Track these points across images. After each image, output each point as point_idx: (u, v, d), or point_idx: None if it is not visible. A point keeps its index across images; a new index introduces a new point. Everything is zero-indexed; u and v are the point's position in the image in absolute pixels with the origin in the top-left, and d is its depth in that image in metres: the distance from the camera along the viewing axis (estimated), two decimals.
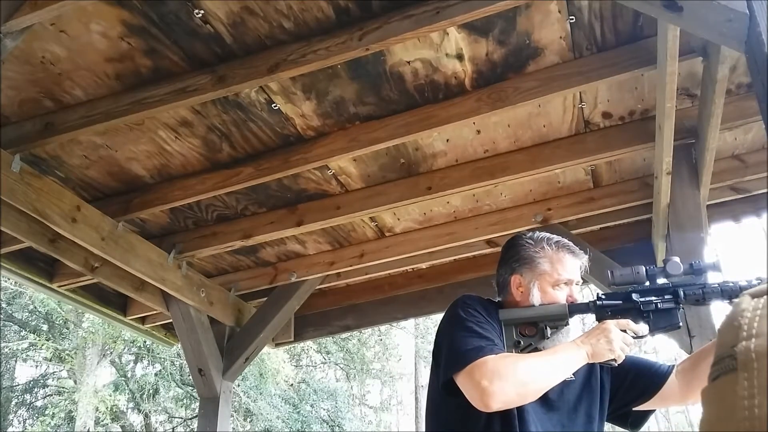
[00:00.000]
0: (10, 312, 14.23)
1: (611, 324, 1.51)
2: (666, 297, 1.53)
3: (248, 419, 14.95)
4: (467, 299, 1.63)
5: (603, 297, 1.58)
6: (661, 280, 1.56)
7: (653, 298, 1.53)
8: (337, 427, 15.99)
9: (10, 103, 2.33)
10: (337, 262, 3.50)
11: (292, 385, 15.91)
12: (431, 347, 1.69)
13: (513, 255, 1.70)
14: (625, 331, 1.51)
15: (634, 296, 1.54)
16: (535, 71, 2.33)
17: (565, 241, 1.72)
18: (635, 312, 1.54)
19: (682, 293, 1.51)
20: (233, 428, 14.03)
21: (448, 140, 2.73)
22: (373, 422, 19.43)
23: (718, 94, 2.14)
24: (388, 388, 21.89)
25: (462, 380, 1.43)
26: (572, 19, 2.12)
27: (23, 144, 2.40)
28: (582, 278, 1.70)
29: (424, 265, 3.69)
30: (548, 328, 1.56)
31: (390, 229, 3.38)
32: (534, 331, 1.56)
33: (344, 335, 15.51)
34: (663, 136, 2.33)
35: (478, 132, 2.69)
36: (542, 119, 2.62)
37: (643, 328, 1.52)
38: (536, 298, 1.62)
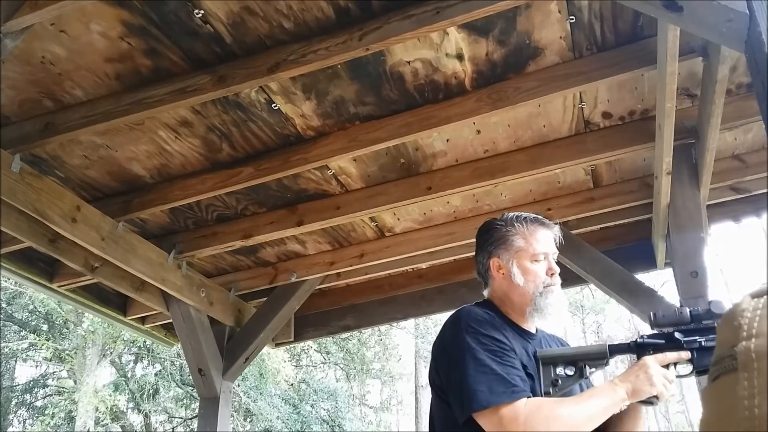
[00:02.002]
0: (10, 312, 14.22)
1: (650, 359, 1.47)
2: (710, 336, 1.47)
3: (248, 419, 14.96)
4: (470, 321, 1.55)
5: (645, 336, 1.54)
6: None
7: (697, 337, 1.48)
8: (337, 427, 15.99)
9: (10, 103, 2.33)
10: (337, 262, 3.50)
11: (292, 385, 15.91)
12: (431, 347, 1.68)
13: (487, 239, 1.71)
14: (667, 367, 1.47)
15: (677, 335, 1.49)
16: (535, 71, 2.33)
17: (534, 215, 1.73)
18: (678, 350, 1.49)
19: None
20: (233, 428, 14.03)
21: (448, 140, 2.73)
22: (373, 422, 19.44)
23: (718, 94, 2.14)
24: (388, 388, 21.89)
25: (489, 421, 1.39)
26: (572, 19, 2.12)
27: (23, 144, 2.40)
28: (557, 250, 1.69)
29: (424, 265, 3.69)
30: (587, 367, 1.52)
31: (390, 229, 3.38)
32: (573, 370, 1.52)
33: (344, 335, 15.51)
34: (663, 136, 2.33)
35: (478, 132, 2.69)
36: (542, 119, 2.62)
37: (686, 365, 1.48)
38: (518, 276, 1.63)
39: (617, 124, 2.66)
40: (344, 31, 2.06)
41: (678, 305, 1.53)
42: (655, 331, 1.54)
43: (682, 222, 2.72)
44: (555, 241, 1.69)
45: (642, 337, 1.54)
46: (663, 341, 1.50)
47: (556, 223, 1.72)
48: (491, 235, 1.70)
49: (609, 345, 1.55)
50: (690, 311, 1.48)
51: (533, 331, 1.68)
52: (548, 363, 1.52)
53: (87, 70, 2.22)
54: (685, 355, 1.46)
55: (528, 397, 1.43)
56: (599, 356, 1.53)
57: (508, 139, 2.73)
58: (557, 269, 1.66)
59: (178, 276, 3.28)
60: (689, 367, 1.47)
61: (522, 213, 1.73)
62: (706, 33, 1.66)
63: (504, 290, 1.67)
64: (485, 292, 1.73)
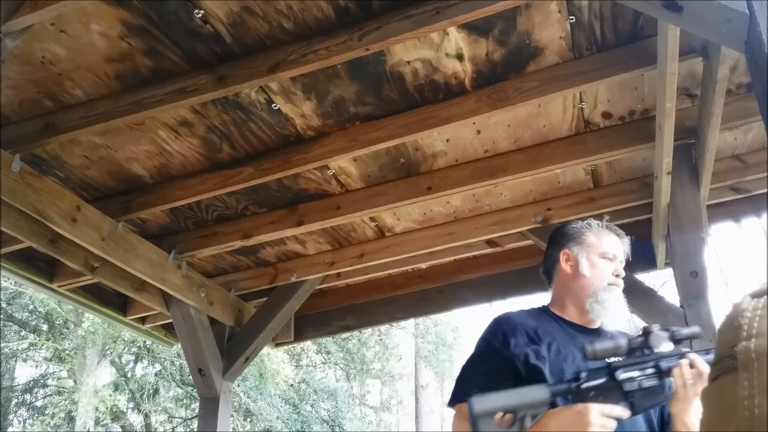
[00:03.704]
0: (10, 312, 14.22)
1: (593, 409, 1.40)
2: (648, 372, 1.43)
3: (248, 419, 14.95)
4: (500, 321, 1.72)
5: (584, 374, 1.47)
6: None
7: (636, 373, 1.42)
8: (338, 427, 15.98)
9: (10, 103, 2.33)
10: (337, 262, 3.50)
11: (292, 385, 15.90)
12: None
13: (560, 236, 1.84)
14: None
15: (618, 374, 1.42)
16: (535, 71, 2.33)
17: (608, 223, 1.85)
18: (618, 392, 1.42)
19: (665, 366, 1.43)
20: (233, 428, 14.03)
21: (448, 140, 2.73)
22: (374, 422, 19.43)
23: (718, 94, 2.14)
24: (388, 388, 21.88)
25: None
26: (572, 19, 2.12)
27: (23, 144, 2.40)
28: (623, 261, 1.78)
29: (424, 265, 3.69)
30: (529, 417, 1.39)
31: (390, 229, 3.38)
32: (511, 421, 1.38)
33: (344, 335, 15.50)
34: (663, 136, 2.33)
35: (478, 132, 2.69)
36: (542, 119, 2.62)
37: (625, 412, 1.42)
38: (585, 267, 1.74)
39: (617, 124, 2.66)
40: (344, 31, 2.06)
41: (618, 335, 1.49)
42: (597, 364, 1.45)
43: (682, 222, 2.72)
44: (624, 252, 1.80)
45: (581, 376, 1.45)
46: (603, 380, 1.43)
47: (628, 236, 1.84)
48: (565, 233, 1.83)
49: (551, 389, 1.45)
50: (628, 341, 1.42)
51: (594, 326, 1.73)
52: (483, 416, 1.35)
53: (87, 70, 2.22)
54: (626, 412, 1.42)
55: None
56: (541, 403, 1.41)
57: (508, 139, 2.73)
58: (623, 273, 1.75)
59: (178, 276, 3.28)
60: (628, 413, 1.42)
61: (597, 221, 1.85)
62: (706, 33, 1.66)
63: (567, 283, 1.76)
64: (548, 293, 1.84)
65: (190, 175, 2.79)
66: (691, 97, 2.54)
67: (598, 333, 1.73)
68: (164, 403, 15.80)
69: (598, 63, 2.26)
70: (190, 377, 5.65)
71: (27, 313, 14.75)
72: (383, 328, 17.69)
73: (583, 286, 1.73)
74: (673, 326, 1.45)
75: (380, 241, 3.43)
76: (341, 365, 18.75)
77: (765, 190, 2.98)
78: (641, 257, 3.31)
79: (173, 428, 16.08)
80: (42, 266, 3.25)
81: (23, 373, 16.60)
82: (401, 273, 3.78)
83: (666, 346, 1.42)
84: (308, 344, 16.31)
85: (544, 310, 1.79)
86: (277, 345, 4.17)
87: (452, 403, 1.66)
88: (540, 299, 1.96)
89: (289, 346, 12.96)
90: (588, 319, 1.72)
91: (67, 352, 14.37)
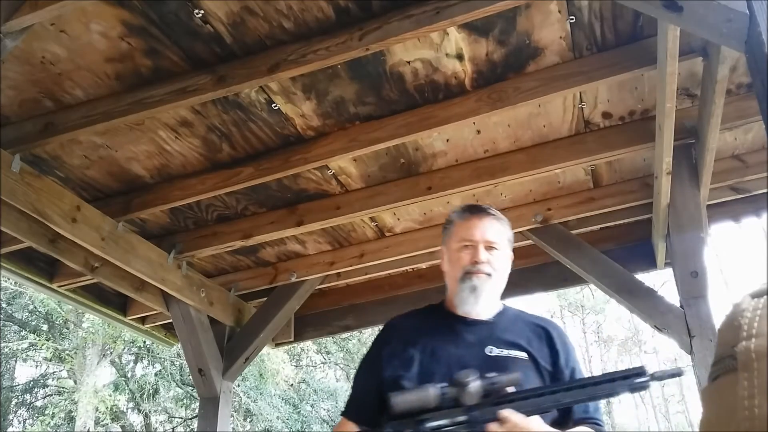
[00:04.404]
0: (10, 312, 14.22)
1: None
2: (459, 422, 1.30)
3: (248, 419, 14.95)
4: (384, 328, 1.76)
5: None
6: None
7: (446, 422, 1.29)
8: None
9: (10, 103, 2.33)
10: (337, 262, 3.50)
11: (292, 385, 15.90)
12: None
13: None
14: None
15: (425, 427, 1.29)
16: (535, 71, 2.33)
17: (473, 204, 1.78)
18: None
19: (476, 416, 1.30)
20: (233, 428, 14.03)
21: (448, 140, 2.73)
22: None
23: (718, 94, 2.14)
24: None
25: None
26: (572, 19, 2.12)
27: (23, 144, 2.40)
28: (492, 241, 1.66)
29: (424, 265, 3.69)
30: None
31: (390, 229, 3.38)
32: None
33: (344, 335, 15.50)
34: (663, 136, 2.33)
35: (478, 132, 2.69)
36: (542, 119, 2.62)
37: None
38: (445, 262, 1.73)
39: (617, 124, 2.66)
40: (344, 31, 2.06)
41: (447, 381, 1.30)
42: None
43: (682, 222, 2.72)
44: (492, 231, 1.68)
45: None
46: None
47: (490, 211, 1.72)
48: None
49: None
50: (437, 394, 1.28)
51: (482, 317, 1.65)
52: None
53: (87, 70, 2.22)
54: None
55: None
56: None
57: (508, 139, 2.73)
58: (481, 258, 1.64)
59: (178, 276, 3.28)
60: None
61: (468, 203, 1.77)
62: (706, 33, 1.66)
63: (445, 277, 1.75)
64: None
65: (190, 175, 2.79)
66: (691, 97, 2.54)
67: (491, 324, 1.65)
68: (164, 403, 15.81)
69: (598, 63, 2.26)
70: (190, 377, 5.65)
71: (27, 313, 14.76)
72: None
73: (449, 279, 1.72)
74: (492, 375, 1.31)
75: (380, 241, 3.43)
76: (341, 365, 18.74)
77: (765, 190, 2.98)
78: (641, 257, 3.32)
79: (173, 428, 16.09)
80: (42, 266, 3.24)
81: (23, 373, 16.61)
82: (401, 273, 3.78)
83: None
84: (308, 344, 16.31)
85: (437, 307, 1.76)
86: (277, 345, 4.17)
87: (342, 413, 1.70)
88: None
89: (289, 346, 12.95)
90: (466, 309, 1.66)
91: (67, 352, 14.38)
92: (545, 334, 1.65)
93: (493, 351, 1.56)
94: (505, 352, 1.56)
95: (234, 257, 3.54)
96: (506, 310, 1.72)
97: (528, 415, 1.28)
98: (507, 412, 1.29)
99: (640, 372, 1.23)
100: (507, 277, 1.73)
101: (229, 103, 2.41)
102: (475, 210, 1.74)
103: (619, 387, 1.22)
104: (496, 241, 1.68)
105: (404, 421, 1.32)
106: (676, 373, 1.24)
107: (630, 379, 1.20)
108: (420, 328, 1.67)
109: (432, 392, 1.27)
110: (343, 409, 1.68)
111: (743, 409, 0.38)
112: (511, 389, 1.31)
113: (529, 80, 2.33)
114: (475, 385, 1.26)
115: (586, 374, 1.59)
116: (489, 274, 1.64)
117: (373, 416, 1.53)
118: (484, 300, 1.63)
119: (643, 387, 1.23)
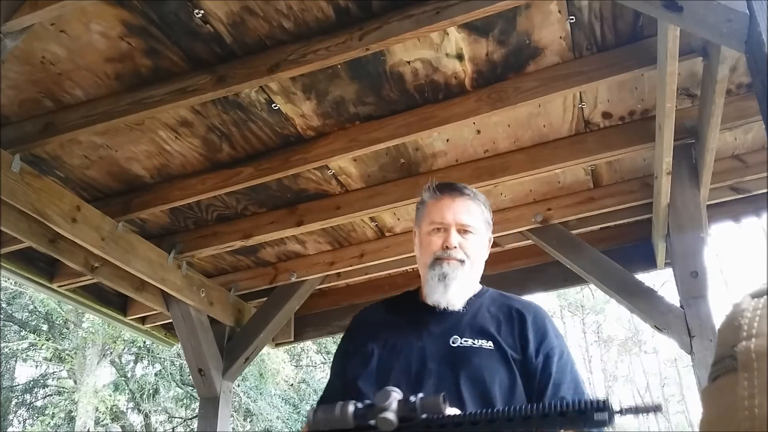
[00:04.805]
0: (10, 312, 14.22)
1: None
2: None
3: (248, 419, 14.95)
4: (351, 321, 1.63)
5: None
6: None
7: None
8: None
9: (10, 103, 2.33)
10: (337, 262, 3.50)
11: (292, 385, 15.90)
12: None
13: None
14: None
15: None
16: (535, 71, 2.33)
17: (446, 182, 1.59)
18: None
19: None
20: (233, 428, 14.03)
21: (448, 140, 2.73)
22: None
23: (718, 94, 2.14)
24: None
25: None
26: (572, 19, 2.12)
27: (23, 144, 2.40)
28: (466, 224, 1.49)
29: None
30: None
31: (390, 229, 3.38)
32: None
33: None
34: (663, 136, 2.33)
35: (478, 132, 2.69)
36: (542, 119, 2.62)
37: None
38: (417, 247, 1.58)
39: (617, 124, 2.66)
40: (344, 31, 2.06)
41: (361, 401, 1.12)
42: None
43: (682, 222, 2.72)
44: (467, 212, 1.51)
45: None
46: None
47: (465, 191, 1.54)
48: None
49: None
50: (353, 410, 1.11)
51: (454, 307, 1.48)
52: None
53: (87, 70, 2.22)
54: None
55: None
56: None
57: (508, 139, 2.73)
58: (452, 243, 1.47)
59: (178, 276, 3.28)
60: None
61: (442, 181, 1.61)
62: (706, 33, 1.66)
63: (418, 263, 1.59)
64: None
65: (190, 175, 2.79)
66: (691, 97, 2.54)
67: (461, 313, 1.48)
68: (164, 403, 15.81)
69: (598, 63, 2.26)
70: (190, 377, 5.65)
71: (27, 313, 14.76)
72: None
73: (420, 267, 1.55)
74: (415, 397, 1.07)
75: (380, 241, 3.43)
76: None
77: (765, 190, 2.98)
78: (641, 257, 3.32)
79: (173, 428, 16.08)
80: (42, 266, 3.25)
81: (23, 373, 16.61)
82: (401, 273, 3.78)
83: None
84: (308, 344, 16.30)
85: (411, 296, 1.60)
86: (277, 345, 4.17)
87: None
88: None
89: (289, 346, 12.96)
90: (435, 298, 1.49)
91: (67, 352, 14.38)
92: (519, 318, 1.47)
93: (456, 341, 1.42)
94: (470, 342, 1.41)
95: (234, 257, 3.54)
96: (483, 294, 1.55)
97: None
98: None
99: (600, 407, 0.97)
100: (483, 264, 1.56)
101: (229, 103, 2.40)
102: (447, 189, 1.54)
103: (573, 422, 0.98)
104: (471, 224, 1.51)
105: None
106: (651, 409, 0.97)
107: (587, 414, 0.97)
108: (385, 321, 1.54)
109: (350, 411, 1.11)
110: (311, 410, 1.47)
111: (743, 409, 0.38)
112: (452, 411, 1.10)
113: (529, 80, 2.33)
114: (390, 411, 1.07)
115: (575, 367, 1.43)
116: (461, 261, 1.48)
117: None
118: (454, 289, 1.46)
119: (603, 423, 1.00)
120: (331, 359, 1.64)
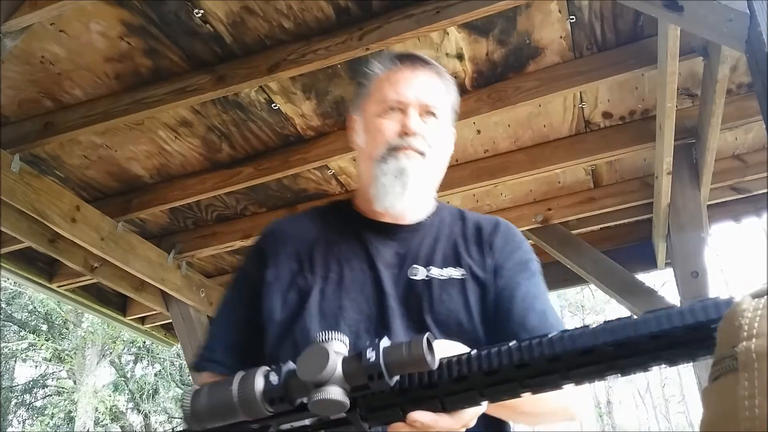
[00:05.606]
0: (10, 312, 14.24)
1: None
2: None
3: None
4: (262, 236, 1.17)
5: None
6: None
7: None
8: None
9: (10, 103, 2.33)
10: None
11: None
12: None
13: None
14: None
15: None
16: (536, 71, 2.33)
17: (407, 52, 1.26)
18: None
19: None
20: None
21: None
22: None
23: (718, 94, 2.14)
24: None
25: None
26: (572, 18, 2.12)
27: (23, 144, 2.40)
28: (430, 104, 1.13)
29: None
30: None
31: None
32: None
33: None
34: (663, 136, 2.33)
35: (478, 132, 2.68)
36: (542, 119, 2.62)
37: None
38: (360, 135, 1.17)
39: (617, 124, 2.66)
40: (344, 31, 2.05)
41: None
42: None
43: (682, 222, 2.72)
44: (432, 88, 1.15)
45: None
46: None
47: (429, 62, 1.19)
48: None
49: None
50: (264, 387, 0.70)
51: (406, 219, 1.14)
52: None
53: (87, 70, 2.22)
54: None
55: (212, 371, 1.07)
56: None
57: (508, 139, 2.73)
58: (412, 127, 1.09)
59: (177, 276, 3.28)
60: None
61: (392, 52, 1.27)
62: (707, 33, 1.66)
63: (358, 160, 1.22)
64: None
65: (190, 175, 2.79)
66: (691, 96, 2.54)
67: (416, 231, 1.14)
68: (164, 403, 15.82)
69: (599, 63, 2.26)
70: (190, 377, 5.64)
71: (27, 313, 14.77)
72: None
73: (363, 163, 1.16)
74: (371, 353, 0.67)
75: None
76: None
77: (765, 190, 2.98)
78: (641, 257, 3.33)
79: (173, 428, 16.09)
80: (41, 266, 3.24)
81: (23, 373, 16.61)
82: None
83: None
84: None
85: (342, 207, 1.21)
86: None
87: (193, 367, 1.15)
88: None
89: None
90: (387, 209, 1.11)
91: (67, 352, 14.39)
92: (489, 234, 1.14)
93: (417, 272, 1.06)
94: (436, 273, 1.06)
95: (234, 257, 3.54)
96: (441, 210, 1.23)
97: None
98: (417, 414, 0.69)
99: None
100: (445, 167, 1.22)
101: (228, 103, 2.40)
102: (407, 59, 1.17)
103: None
104: (436, 104, 1.14)
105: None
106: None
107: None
108: (318, 239, 1.12)
109: (259, 388, 0.69)
110: (195, 360, 1.13)
111: (744, 410, 0.38)
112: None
113: (529, 80, 2.33)
114: (334, 382, 0.65)
115: (547, 294, 1.10)
116: (422, 153, 1.10)
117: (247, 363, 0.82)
118: (413, 190, 1.09)
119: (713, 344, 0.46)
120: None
